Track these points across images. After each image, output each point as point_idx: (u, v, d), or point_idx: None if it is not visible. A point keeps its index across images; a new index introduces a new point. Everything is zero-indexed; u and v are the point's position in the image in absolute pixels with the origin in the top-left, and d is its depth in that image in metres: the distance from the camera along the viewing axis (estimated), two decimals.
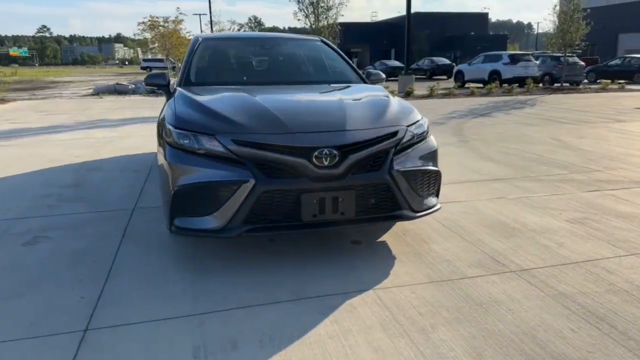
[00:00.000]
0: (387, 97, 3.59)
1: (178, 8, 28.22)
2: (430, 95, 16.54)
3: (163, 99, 4.26)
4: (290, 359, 2.05)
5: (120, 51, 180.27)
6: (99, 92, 18.00)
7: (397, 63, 34.65)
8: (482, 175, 5.19)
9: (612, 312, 2.40)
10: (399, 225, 3.63)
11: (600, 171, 5.30)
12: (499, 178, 5.06)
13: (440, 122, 9.67)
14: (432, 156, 3.24)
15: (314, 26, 15.45)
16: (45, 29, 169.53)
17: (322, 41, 4.90)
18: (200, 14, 49.01)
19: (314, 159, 2.75)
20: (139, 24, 23.95)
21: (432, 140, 3.34)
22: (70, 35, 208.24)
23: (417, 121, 3.29)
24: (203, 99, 3.32)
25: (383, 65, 33.36)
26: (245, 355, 2.08)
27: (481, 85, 20.19)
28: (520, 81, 19.48)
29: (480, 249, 3.20)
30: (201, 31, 41.32)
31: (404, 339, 2.19)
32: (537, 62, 22.14)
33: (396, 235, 3.47)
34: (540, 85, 20.74)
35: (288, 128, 2.88)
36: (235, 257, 3.11)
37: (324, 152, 2.76)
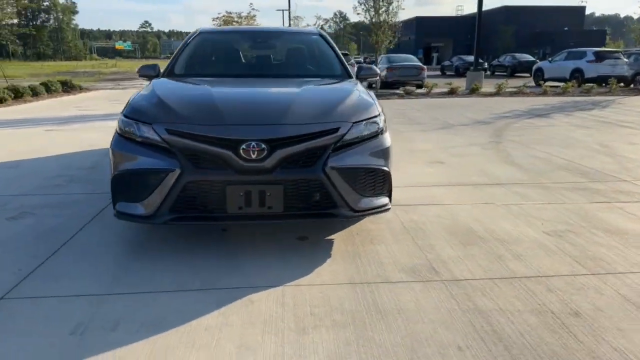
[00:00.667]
0: (350, 92, 3.49)
1: (251, 4, 29.05)
2: (498, 92, 15.70)
3: None
4: (155, 344, 2.10)
5: None
6: None
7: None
8: (488, 179, 4.88)
9: (519, 333, 2.18)
10: (360, 224, 3.54)
11: (625, 181, 4.76)
12: (503, 183, 4.72)
13: (486, 122, 9.17)
14: (381, 154, 3.11)
15: (373, 20, 15.20)
16: (147, 24, 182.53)
17: (320, 35, 4.86)
18: (282, 10, 50.25)
19: (241, 152, 2.76)
20: (213, 19, 25.08)
21: (385, 138, 3.20)
22: (169, 30, 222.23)
23: (370, 118, 3.17)
24: (162, 89, 3.45)
25: (460, 60, 32.11)
26: (117, 337, 2.16)
27: (561, 84, 18.76)
28: (606, 81, 17.82)
29: (425, 255, 3.04)
30: (289, 26, 42.36)
31: (276, 337, 2.15)
32: (629, 60, 20.09)
33: (348, 234, 3.38)
34: (632, 85, 18.82)
35: (223, 120, 2.92)
36: (183, 243, 3.21)
37: (251, 145, 2.77)
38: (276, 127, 2.89)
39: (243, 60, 4.68)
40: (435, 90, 16.59)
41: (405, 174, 5.12)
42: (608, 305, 2.41)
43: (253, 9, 23.40)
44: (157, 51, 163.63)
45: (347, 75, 4.25)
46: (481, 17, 18.07)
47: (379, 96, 16.92)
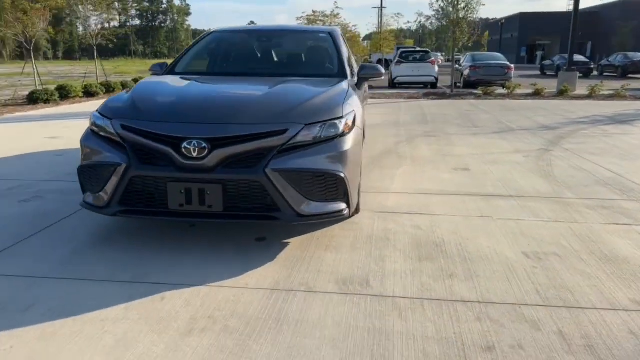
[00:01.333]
0: (320, 93, 3.37)
1: (335, 2, 29.16)
2: (590, 95, 14.28)
3: None
4: (48, 328, 2.21)
5: None
6: None
7: (581, 58, 30.36)
8: (505, 191, 4.45)
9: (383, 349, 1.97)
10: (327, 229, 3.42)
11: None
12: (519, 196, 4.28)
13: (552, 127, 8.38)
14: (336, 158, 2.96)
15: (452, 17, 14.51)
16: (252, 24, 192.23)
17: (330, 33, 4.76)
18: (380, 7, 49.79)
19: (182, 149, 2.81)
20: (297, 18, 25.57)
21: (343, 141, 3.03)
22: None
23: (329, 120, 3.04)
24: (141, 86, 3.61)
25: (563, 59, 29.53)
26: (22, 318, 2.30)
27: None
28: None
29: (370, 267, 2.85)
30: (379, 23, 41.91)
31: (157, 336, 2.16)
32: None
33: (309, 238, 3.28)
34: None
35: (171, 117, 2.99)
36: (153, 235, 3.34)
37: (192, 144, 2.80)
38: (218, 127, 2.89)
39: (243, 60, 4.73)
40: (519, 91, 15.47)
41: (418, 180, 4.85)
42: (535, 344, 2.09)
43: (337, 7, 23.57)
44: None
45: (342, 75, 4.12)
46: (578, 11, 16.46)
47: (455, 96, 16.32)
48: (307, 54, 4.65)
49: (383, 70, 4.38)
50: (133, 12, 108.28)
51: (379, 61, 29.53)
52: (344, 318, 2.30)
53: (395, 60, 19.59)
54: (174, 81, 3.85)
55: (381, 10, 35.22)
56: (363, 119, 3.90)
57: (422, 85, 19.05)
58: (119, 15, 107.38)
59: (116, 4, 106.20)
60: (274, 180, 2.80)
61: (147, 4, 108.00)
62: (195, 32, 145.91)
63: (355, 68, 4.61)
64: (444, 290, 2.58)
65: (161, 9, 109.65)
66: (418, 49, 24.49)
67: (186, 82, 3.79)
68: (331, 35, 4.71)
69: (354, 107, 3.32)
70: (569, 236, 3.32)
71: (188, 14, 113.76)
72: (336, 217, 3.03)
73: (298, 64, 4.52)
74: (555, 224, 3.57)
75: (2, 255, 3.02)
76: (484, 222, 3.62)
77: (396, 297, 2.50)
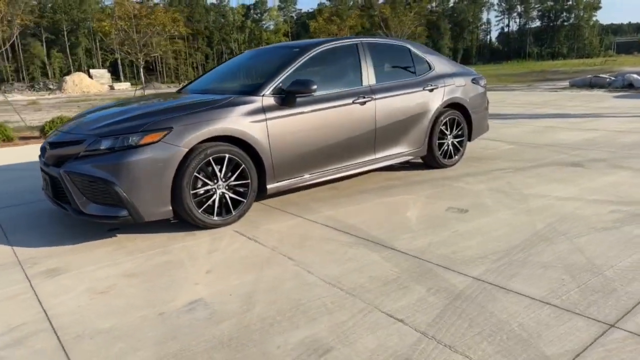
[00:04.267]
0: (153, 111, 4.04)
1: None
2: None
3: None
4: None
5: None
6: (574, 85, 17.21)
7: None
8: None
9: None
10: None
11: None
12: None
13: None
14: (116, 168, 3.53)
15: None
16: None
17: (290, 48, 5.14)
18: None
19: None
20: None
21: (130, 153, 3.56)
22: None
23: (128, 134, 3.65)
24: None
25: None
26: None
27: None
28: None
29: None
30: None
31: None
32: None
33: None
34: None
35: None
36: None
37: (46, 143, 4.13)
38: (60, 134, 4.08)
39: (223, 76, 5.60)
40: None
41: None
42: None
43: None
44: None
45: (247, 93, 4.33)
46: None
47: None
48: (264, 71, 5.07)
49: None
50: (534, 13, 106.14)
51: None
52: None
53: None
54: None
55: None
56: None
57: None
58: (519, 17, 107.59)
59: (518, 7, 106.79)
60: (65, 179, 3.68)
61: (551, 3, 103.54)
62: (606, 27, 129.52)
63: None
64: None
65: (566, 6, 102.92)
66: None
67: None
68: (297, 51, 4.97)
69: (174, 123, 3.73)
70: None
71: (597, 8, 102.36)
72: (119, 221, 3.66)
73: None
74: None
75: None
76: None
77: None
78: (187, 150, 3.73)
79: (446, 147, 5.77)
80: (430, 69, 5.68)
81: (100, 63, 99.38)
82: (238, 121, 3.99)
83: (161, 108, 4.12)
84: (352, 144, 4.80)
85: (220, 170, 3.94)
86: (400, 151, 5.31)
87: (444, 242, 3.51)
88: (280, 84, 4.33)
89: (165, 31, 25.81)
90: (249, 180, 4.10)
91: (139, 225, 4.05)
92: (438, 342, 2.26)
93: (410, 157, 5.47)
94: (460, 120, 5.85)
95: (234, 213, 4.06)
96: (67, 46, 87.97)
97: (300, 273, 3.10)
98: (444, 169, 5.78)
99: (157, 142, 3.62)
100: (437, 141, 5.63)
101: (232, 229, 4.02)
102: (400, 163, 5.55)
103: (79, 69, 70.47)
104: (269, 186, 4.30)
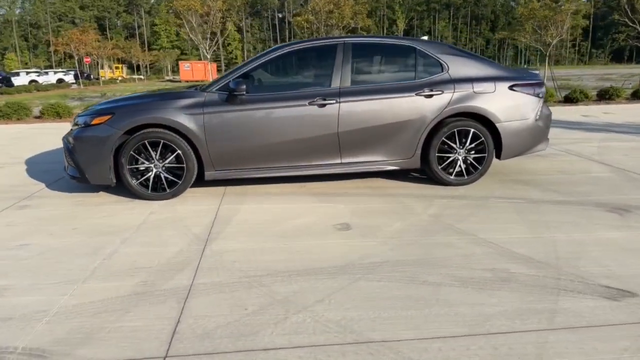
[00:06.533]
0: None
1: None
2: None
3: None
4: None
5: None
6: None
7: None
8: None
9: None
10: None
11: None
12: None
13: None
14: (72, 140, 4.67)
15: None
16: None
17: None
18: None
19: None
20: None
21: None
22: None
23: None
24: None
25: None
26: None
27: None
28: None
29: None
30: None
31: None
32: None
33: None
34: None
35: None
36: None
37: None
38: None
39: None
40: None
41: None
42: None
43: None
44: None
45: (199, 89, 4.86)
46: None
47: None
48: None
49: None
50: None
51: None
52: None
53: None
54: None
55: None
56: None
57: None
58: None
59: None
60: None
61: None
62: None
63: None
64: None
65: None
66: None
67: None
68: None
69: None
70: None
71: None
72: (76, 180, 4.80)
73: None
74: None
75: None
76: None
77: None
78: (122, 132, 4.54)
79: (456, 163, 5.02)
80: (442, 71, 4.98)
81: None
82: (174, 113, 4.58)
83: (131, 97, 5.06)
84: (308, 145, 4.78)
85: (156, 153, 4.63)
86: (377, 159, 4.94)
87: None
88: (229, 82, 4.68)
89: (350, 23, 26.70)
90: (184, 165, 4.67)
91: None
92: None
93: (395, 167, 5.01)
94: (479, 132, 4.96)
95: (167, 191, 4.72)
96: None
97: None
98: (454, 187, 5.05)
99: (101, 124, 4.55)
100: (437, 154, 4.96)
101: (159, 204, 4.68)
102: (412, 172, 5.16)
103: None
104: (206, 173, 4.77)
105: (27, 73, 40.41)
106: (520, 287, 2.84)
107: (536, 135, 5.19)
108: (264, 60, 4.88)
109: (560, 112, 11.53)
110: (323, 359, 2.19)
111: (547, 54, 17.01)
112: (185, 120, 4.59)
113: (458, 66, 5.00)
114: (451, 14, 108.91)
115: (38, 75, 39.55)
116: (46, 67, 68.26)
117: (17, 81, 36.53)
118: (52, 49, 72.37)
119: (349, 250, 3.45)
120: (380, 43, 5.19)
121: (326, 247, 3.52)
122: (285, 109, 4.70)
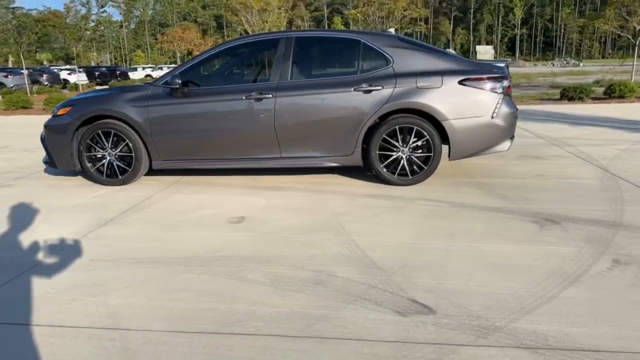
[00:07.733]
0: None
1: None
2: None
3: None
4: None
5: None
6: None
7: None
8: None
9: None
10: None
11: None
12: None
13: None
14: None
15: None
16: None
17: None
18: None
19: None
20: None
21: None
22: None
23: None
24: None
25: None
26: None
27: None
28: None
29: None
30: None
31: None
32: None
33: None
34: None
35: None
36: None
37: None
38: None
39: None
40: None
41: None
42: None
43: None
44: None
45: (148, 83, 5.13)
46: None
47: None
48: None
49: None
50: None
51: None
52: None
53: None
54: None
55: None
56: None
57: None
58: None
59: None
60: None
61: None
62: None
63: None
64: None
65: None
66: None
67: None
68: None
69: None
70: None
71: None
72: (48, 166, 5.05)
73: None
74: None
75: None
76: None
77: None
78: (79, 122, 5.04)
79: (398, 162, 4.79)
80: (386, 65, 4.76)
81: (499, 39, 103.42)
82: (122, 105, 4.96)
83: (97, 90, 5.58)
84: (249, 139, 4.89)
85: (109, 142, 5.07)
86: (316, 155, 4.89)
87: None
88: (168, 77, 4.97)
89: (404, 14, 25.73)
90: (132, 154, 5.05)
91: None
92: None
93: (335, 164, 4.91)
94: (423, 130, 4.67)
95: (119, 177, 5.15)
96: (471, 24, 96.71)
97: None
98: (395, 187, 4.83)
99: (64, 114, 5.10)
100: (379, 152, 4.77)
101: (108, 189, 5.11)
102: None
103: (478, 44, 79.95)
104: (153, 162, 5.11)
105: (144, 68, 45.17)
106: (322, 291, 2.72)
107: (493, 135, 4.75)
108: (209, 55, 5.07)
109: (634, 110, 10.21)
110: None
111: (637, 44, 14.78)
112: (132, 112, 4.95)
113: (403, 60, 4.75)
114: None
115: (152, 70, 43.87)
116: (172, 63, 75.15)
117: (135, 75, 40.91)
118: (157, 46, 78.93)
119: (215, 242, 3.52)
120: (325, 37, 5.10)
121: (200, 238, 3.63)
122: (222, 102, 4.85)
